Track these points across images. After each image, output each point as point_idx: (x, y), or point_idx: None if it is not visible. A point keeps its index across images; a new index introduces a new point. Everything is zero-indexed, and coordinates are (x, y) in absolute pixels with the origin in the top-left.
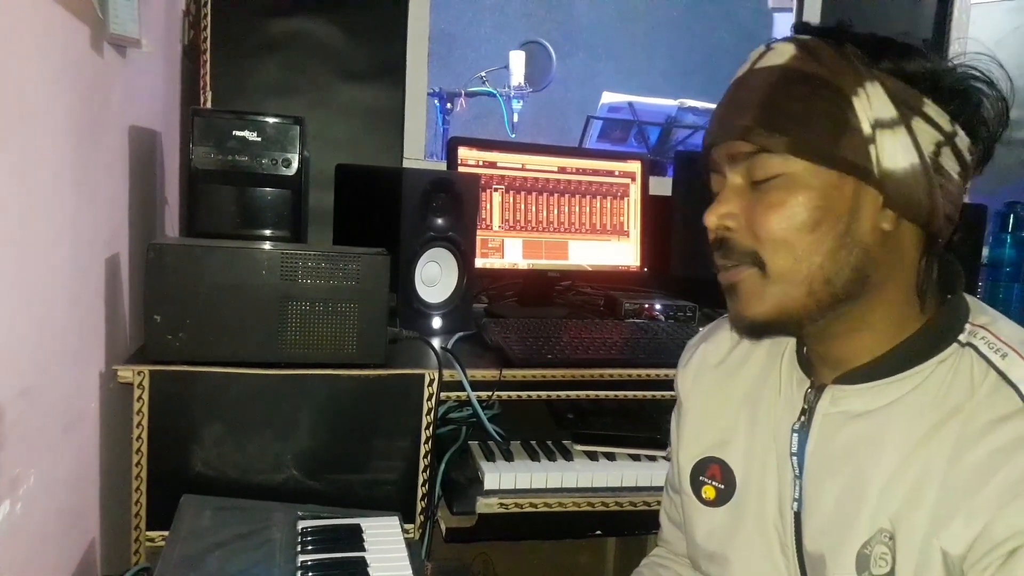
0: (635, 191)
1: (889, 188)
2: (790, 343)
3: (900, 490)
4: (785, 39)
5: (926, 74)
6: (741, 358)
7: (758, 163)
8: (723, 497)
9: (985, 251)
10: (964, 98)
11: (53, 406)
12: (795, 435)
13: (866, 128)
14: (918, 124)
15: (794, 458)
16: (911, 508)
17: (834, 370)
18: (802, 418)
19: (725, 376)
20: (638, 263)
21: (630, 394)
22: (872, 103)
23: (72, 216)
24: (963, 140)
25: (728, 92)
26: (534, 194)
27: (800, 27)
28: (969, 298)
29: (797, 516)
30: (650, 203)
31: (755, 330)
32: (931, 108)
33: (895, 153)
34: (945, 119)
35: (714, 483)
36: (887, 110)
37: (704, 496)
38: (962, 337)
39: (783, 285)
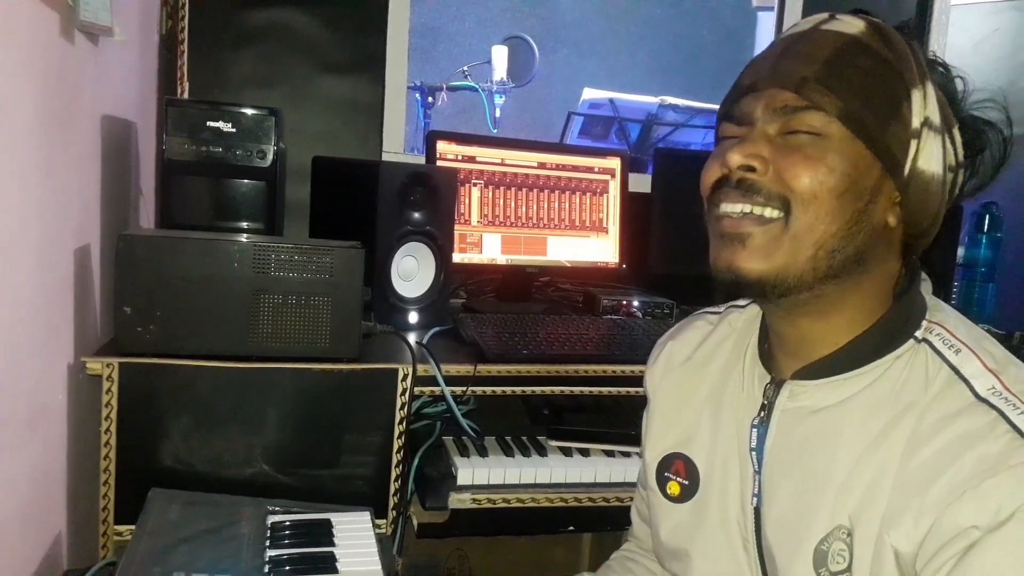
0: (614, 188)
1: (911, 188)
2: (753, 339)
3: (857, 487)
4: (852, 13)
5: (958, 100)
6: (707, 355)
7: (800, 117)
8: (687, 493)
9: (960, 251)
10: (977, 138)
11: (17, 398)
12: (754, 430)
13: (915, 123)
14: (947, 142)
15: (753, 454)
16: (867, 506)
17: (793, 364)
18: (762, 413)
19: (691, 373)
20: (617, 259)
21: (605, 390)
22: (927, 103)
23: (38, 206)
24: (962, 175)
25: (782, 43)
26: (513, 189)
27: (860, 10)
28: (926, 295)
29: (757, 511)
30: (629, 200)
31: (741, 285)
32: (956, 132)
33: (931, 156)
34: (960, 148)
35: (678, 479)
36: (936, 115)
37: (669, 492)
38: (918, 333)
39: (796, 244)
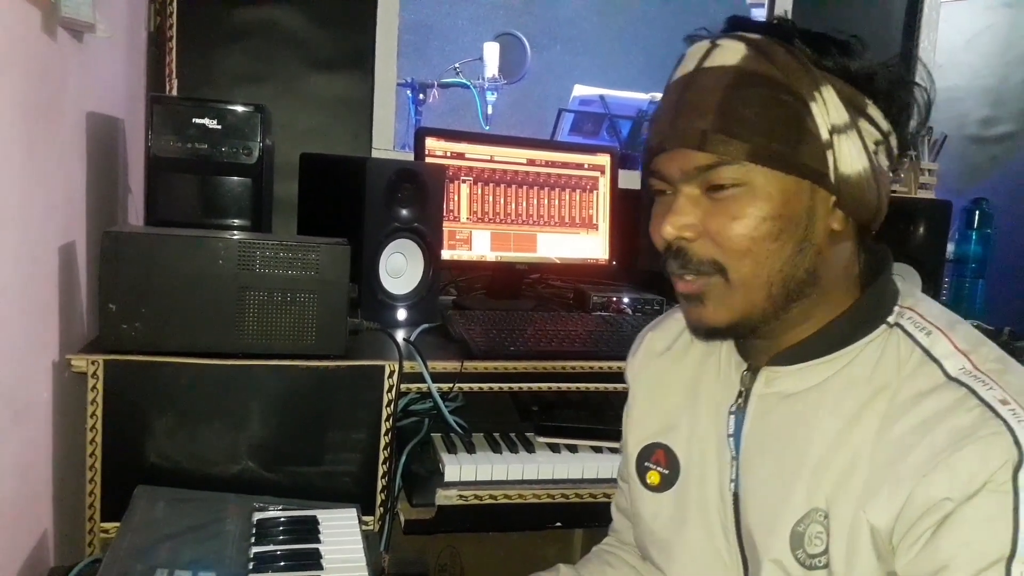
0: (604, 184)
1: (844, 191)
2: None
3: (833, 469)
4: (730, 36)
5: (868, 74)
6: (685, 345)
7: (715, 172)
8: (667, 482)
9: (951, 247)
10: (896, 97)
11: (1, 395)
12: (732, 417)
13: (824, 134)
14: (864, 125)
15: (731, 439)
16: (843, 486)
17: (767, 351)
18: (739, 400)
19: (670, 363)
20: (606, 256)
21: (593, 386)
22: (828, 108)
23: (20, 202)
24: (894, 138)
25: (673, 93)
26: (502, 186)
27: (737, 22)
28: (898, 280)
29: (736, 497)
30: (619, 196)
31: (715, 334)
32: (872, 109)
33: (851, 158)
34: (882, 119)
35: (658, 468)
36: (841, 115)
37: (649, 482)
38: (891, 319)
39: (745, 291)
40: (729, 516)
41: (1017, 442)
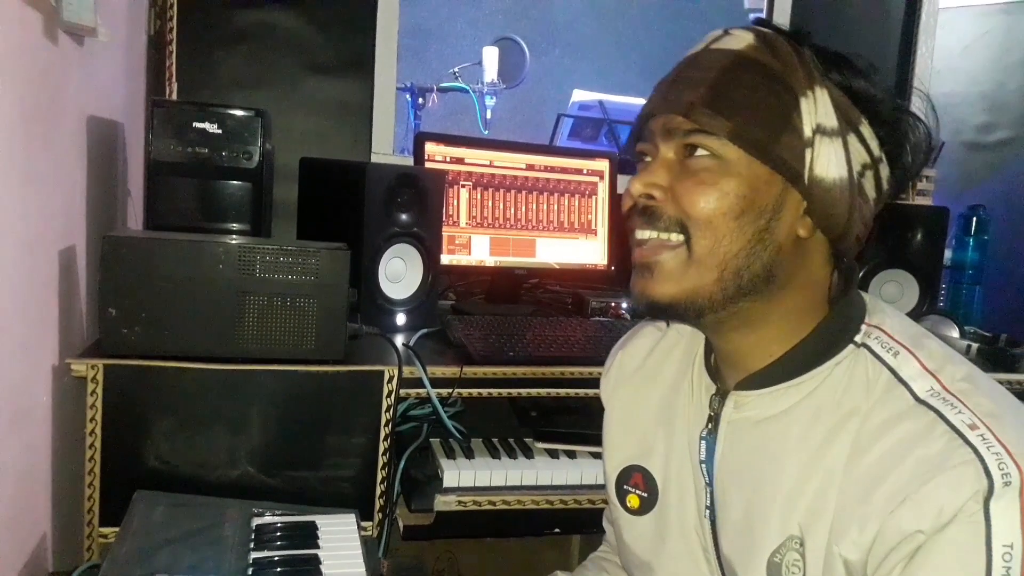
0: (603, 189)
1: (814, 195)
2: (700, 350)
3: (805, 496)
4: (745, 27)
5: (869, 96)
6: (657, 363)
7: (694, 140)
8: (647, 505)
9: (948, 254)
10: (895, 128)
11: (1, 399)
12: (703, 442)
13: (807, 131)
14: (853, 141)
15: (703, 466)
16: (816, 514)
17: (735, 375)
18: (709, 425)
19: (642, 383)
20: (605, 261)
21: (592, 392)
22: (818, 108)
23: (21, 207)
24: (885, 169)
25: (677, 67)
26: (502, 191)
27: (762, 22)
28: (865, 296)
29: (713, 523)
30: (618, 202)
31: (656, 310)
32: (866, 129)
33: (828, 162)
34: (875, 143)
35: (637, 491)
36: (830, 119)
37: (629, 505)
38: (857, 338)
39: (701, 268)
40: (708, 540)
41: (987, 471)
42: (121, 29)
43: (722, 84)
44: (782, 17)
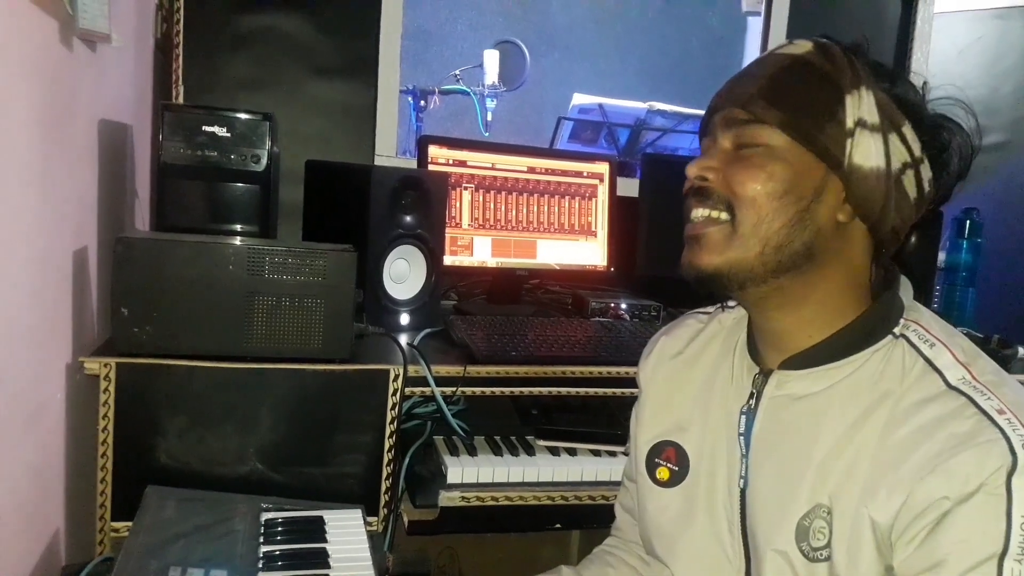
0: (603, 192)
1: (852, 182)
2: (742, 335)
3: (837, 467)
4: (808, 38)
5: (913, 103)
6: (698, 350)
7: (748, 131)
8: (676, 478)
9: (941, 256)
10: (937, 135)
11: (16, 397)
12: (743, 417)
13: (849, 123)
14: (894, 139)
15: (742, 438)
16: (846, 483)
17: (777, 356)
18: (750, 401)
19: (683, 366)
20: (605, 263)
21: (593, 391)
22: (861, 105)
23: (36, 208)
24: (926, 171)
25: (745, 68)
26: (503, 193)
27: (823, 36)
28: (904, 296)
29: (743, 493)
30: (617, 204)
31: (703, 280)
32: (908, 131)
33: (867, 152)
34: (917, 146)
35: (668, 464)
36: (872, 115)
37: (658, 477)
38: (896, 330)
39: (744, 241)
40: (735, 512)
41: (1012, 449)
42: (129, 33)
43: (778, 80)
44: (779, 20)
